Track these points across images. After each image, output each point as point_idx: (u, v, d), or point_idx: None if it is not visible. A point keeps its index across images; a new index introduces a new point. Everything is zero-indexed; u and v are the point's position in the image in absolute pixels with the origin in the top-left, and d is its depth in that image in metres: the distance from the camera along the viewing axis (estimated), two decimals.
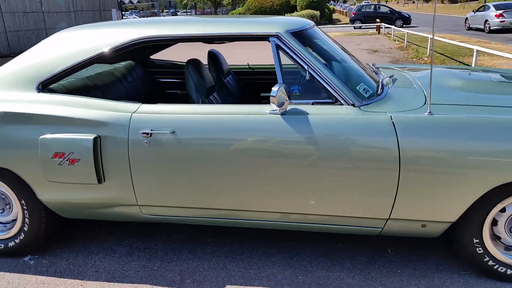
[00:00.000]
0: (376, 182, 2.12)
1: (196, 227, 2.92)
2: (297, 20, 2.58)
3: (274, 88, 2.10)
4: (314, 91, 2.26)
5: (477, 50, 7.78)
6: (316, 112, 2.18)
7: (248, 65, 3.81)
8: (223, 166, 2.23)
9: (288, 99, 2.13)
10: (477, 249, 2.24)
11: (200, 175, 2.27)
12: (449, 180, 2.05)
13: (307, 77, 2.22)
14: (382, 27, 20.52)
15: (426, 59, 11.06)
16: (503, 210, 2.20)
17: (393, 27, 17.74)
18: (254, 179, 2.23)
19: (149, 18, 3.03)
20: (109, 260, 2.65)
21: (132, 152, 2.29)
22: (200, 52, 4.13)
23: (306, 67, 2.22)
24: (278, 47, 2.26)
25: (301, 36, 2.41)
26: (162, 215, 2.47)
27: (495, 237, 2.28)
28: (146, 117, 2.29)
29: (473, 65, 7.88)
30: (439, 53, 11.72)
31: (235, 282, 2.39)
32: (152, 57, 3.99)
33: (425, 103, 2.23)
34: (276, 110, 2.18)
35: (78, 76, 2.85)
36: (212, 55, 3.28)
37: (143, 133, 2.26)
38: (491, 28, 18.28)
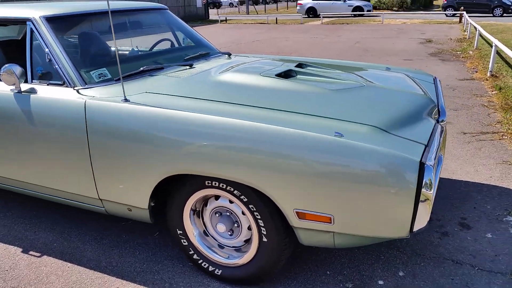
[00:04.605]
0: (76, 164, 2.24)
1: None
2: (72, 4, 2.71)
3: (4, 67, 2.30)
4: (55, 73, 2.41)
5: (495, 45, 6.90)
6: (44, 92, 2.33)
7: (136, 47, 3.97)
8: None
9: (17, 79, 2.32)
10: (182, 240, 2.24)
11: None
12: (128, 167, 2.09)
13: (47, 59, 2.38)
14: (464, 16, 18.63)
15: (471, 52, 9.97)
16: (207, 204, 2.17)
17: (466, 16, 16.02)
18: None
19: None
20: None
21: None
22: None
23: (46, 50, 2.37)
24: (32, 31, 2.45)
25: (70, 20, 2.59)
26: None
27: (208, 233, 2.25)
28: None
29: (491, 59, 7.01)
30: (491, 45, 10.43)
31: None
32: None
33: (146, 92, 2.24)
34: (13, 88, 2.39)
35: None
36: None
37: None
38: None
